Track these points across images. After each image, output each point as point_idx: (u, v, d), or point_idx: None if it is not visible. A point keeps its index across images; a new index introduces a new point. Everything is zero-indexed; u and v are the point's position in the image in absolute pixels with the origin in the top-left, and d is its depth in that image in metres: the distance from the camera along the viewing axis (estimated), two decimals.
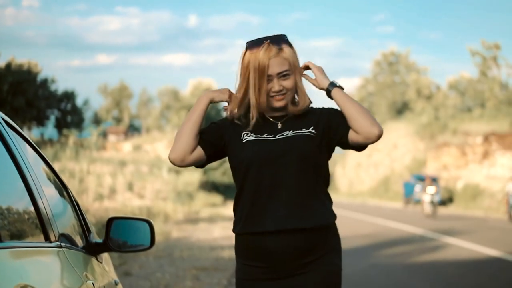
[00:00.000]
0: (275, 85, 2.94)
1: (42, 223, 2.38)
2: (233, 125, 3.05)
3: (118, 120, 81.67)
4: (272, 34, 3.00)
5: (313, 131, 2.97)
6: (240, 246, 3.01)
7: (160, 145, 54.35)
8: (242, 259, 3.01)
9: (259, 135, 2.97)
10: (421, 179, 37.87)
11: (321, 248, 2.94)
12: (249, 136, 2.98)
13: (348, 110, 2.94)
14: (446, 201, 37.68)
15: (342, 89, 3.02)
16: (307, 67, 3.12)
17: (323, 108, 3.09)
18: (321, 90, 3.09)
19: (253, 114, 2.98)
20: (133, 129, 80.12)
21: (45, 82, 54.48)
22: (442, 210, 32.95)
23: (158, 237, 15.32)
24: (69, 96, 58.47)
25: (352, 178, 64.04)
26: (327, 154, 3.04)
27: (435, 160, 45.30)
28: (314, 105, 3.12)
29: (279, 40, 2.96)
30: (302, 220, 2.88)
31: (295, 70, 2.99)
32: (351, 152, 69.74)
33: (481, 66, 45.59)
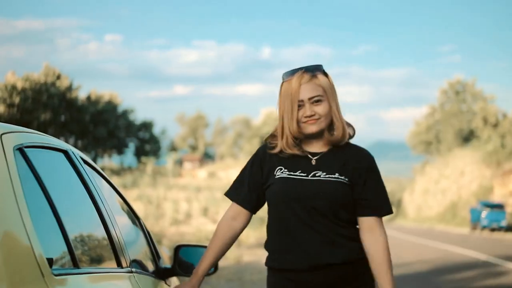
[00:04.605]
0: (307, 110, 2.85)
1: (114, 251, 2.55)
2: (272, 156, 2.96)
3: (194, 148, 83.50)
4: (310, 64, 2.93)
5: (346, 178, 2.87)
6: (271, 279, 2.98)
7: (233, 172, 54.40)
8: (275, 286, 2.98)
9: (292, 172, 2.89)
10: (487, 205, 38.14)
11: (351, 282, 2.90)
12: (282, 172, 2.90)
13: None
14: None
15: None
16: None
17: (363, 156, 2.96)
18: None
19: (288, 142, 2.90)
20: (207, 157, 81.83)
21: (125, 112, 56.39)
22: (508, 236, 32.75)
23: (229, 261, 16.10)
24: (147, 126, 60.12)
25: (420, 204, 64.03)
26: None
27: (501, 187, 45.21)
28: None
29: (314, 69, 2.90)
30: (331, 256, 2.84)
31: (329, 98, 2.89)
32: (419, 178, 69.64)
33: None
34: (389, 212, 2.97)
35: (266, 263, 2.98)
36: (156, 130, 63.77)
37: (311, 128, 2.86)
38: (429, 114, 72.37)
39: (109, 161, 60.60)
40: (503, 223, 36.54)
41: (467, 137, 64.26)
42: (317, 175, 2.86)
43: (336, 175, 2.86)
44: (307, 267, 2.84)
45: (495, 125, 58.42)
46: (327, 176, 2.86)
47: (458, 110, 67.38)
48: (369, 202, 2.90)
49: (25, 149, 2.08)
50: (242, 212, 3.02)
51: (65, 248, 2.08)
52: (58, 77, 50.25)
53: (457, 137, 65.44)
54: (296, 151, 2.90)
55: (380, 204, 2.93)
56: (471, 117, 65.06)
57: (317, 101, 2.85)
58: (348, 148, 2.95)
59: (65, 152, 2.51)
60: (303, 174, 2.87)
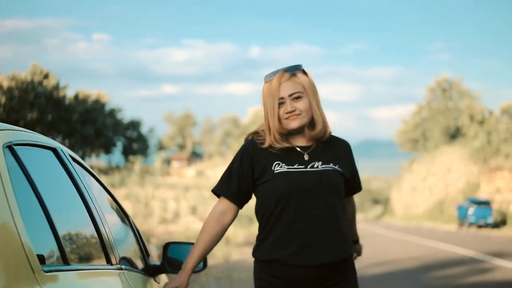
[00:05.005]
0: (288, 106, 2.96)
1: (104, 248, 2.58)
2: (263, 151, 3.03)
3: (182, 147, 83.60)
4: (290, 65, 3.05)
5: (340, 169, 3.02)
6: (264, 270, 3.02)
7: (222, 171, 54.71)
8: (262, 282, 3.03)
9: (290, 166, 2.96)
10: (474, 202, 38.39)
11: (339, 274, 3.01)
12: (280, 166, 2.96)
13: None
14: (499, 223, 37.86)
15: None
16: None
17: (345, 145, 3.17)
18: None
19: (276, 138, 3.00)
20: (195, 156, 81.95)
21: (112, 111, 56.29)
22: (495, 233, 32.92)
23: (218, 259, 16.13)
24: (135, 125, 60.07)
25: (408, 202, 64.27)
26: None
27: (488, 184, 45.52)
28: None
29: (294, 69, 3.02)
30: (330, 255, 2.95)
31: (309, 94, 2.99)
32: (406, 176, 70.02)
33: None
34: (361, 188, 3.33)
35: (258, 255, 3.01)
36: (144, 129, 63.75)
37: (293, 124, 2.97)
38: (416, 112, 72.61)
39: (97, 160, 60.48)
40: (490, 220, 36.78)
41: (454, 135, 64.63)
42: (315, 166, 2.98)
43: (331, 165, 3.01)
44: (305, 263, 2.91)
45: (481, 122, 58.80)
46: (323, 166, 2.99)
47: (445, 108, 67.70)
48: (353, 185, 3.20)
49: (15, 147, 2.08)
50: (231, 207, 3.06)
51: (55, 245, 2.09)
52: (46, 76, 49.97)
53: (444, 134, 65.77)
54: (285, 144, 3.00)
55: (358, 184, 3.25)
56: (457, 115, 65.42)
57: (297, 97, 2.96)
58: (331, 140, 3.10)
59: (54, 150, 2.53)
60: (301, 167, 2.97)
